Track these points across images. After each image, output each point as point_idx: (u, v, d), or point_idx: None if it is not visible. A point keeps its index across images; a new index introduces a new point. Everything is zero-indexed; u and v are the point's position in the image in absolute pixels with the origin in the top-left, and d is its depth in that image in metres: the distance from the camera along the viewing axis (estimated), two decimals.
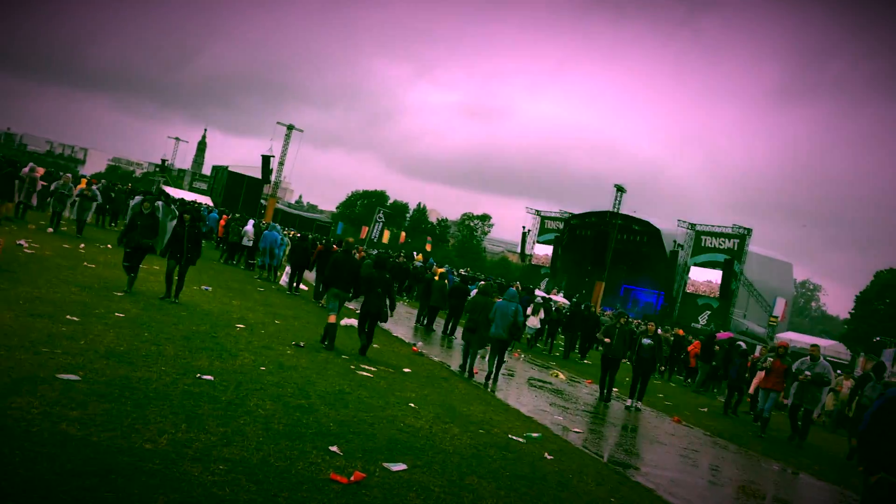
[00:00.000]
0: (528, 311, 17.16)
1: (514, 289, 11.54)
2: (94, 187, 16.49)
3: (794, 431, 11.45)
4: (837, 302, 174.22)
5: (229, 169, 59.94)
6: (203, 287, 12.26)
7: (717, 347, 16.82)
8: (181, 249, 9.87)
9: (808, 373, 11.10)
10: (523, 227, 57.24)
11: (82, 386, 4.92)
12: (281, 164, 49.01)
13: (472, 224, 74.71)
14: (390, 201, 74.92)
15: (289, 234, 28.17)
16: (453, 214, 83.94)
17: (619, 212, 41.84)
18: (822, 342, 31.56)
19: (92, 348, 6.05)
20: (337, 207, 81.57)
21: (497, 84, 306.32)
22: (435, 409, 7.23)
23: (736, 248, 41.46)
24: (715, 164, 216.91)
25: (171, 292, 9.92)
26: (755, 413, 12.41)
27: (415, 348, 11.97)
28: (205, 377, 5.99)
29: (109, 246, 15.28)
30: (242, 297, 12.63)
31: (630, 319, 15.47)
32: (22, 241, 12.05)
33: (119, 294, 9.42)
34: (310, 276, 18.38)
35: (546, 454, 6.41)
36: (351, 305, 13.76)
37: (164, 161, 64.19)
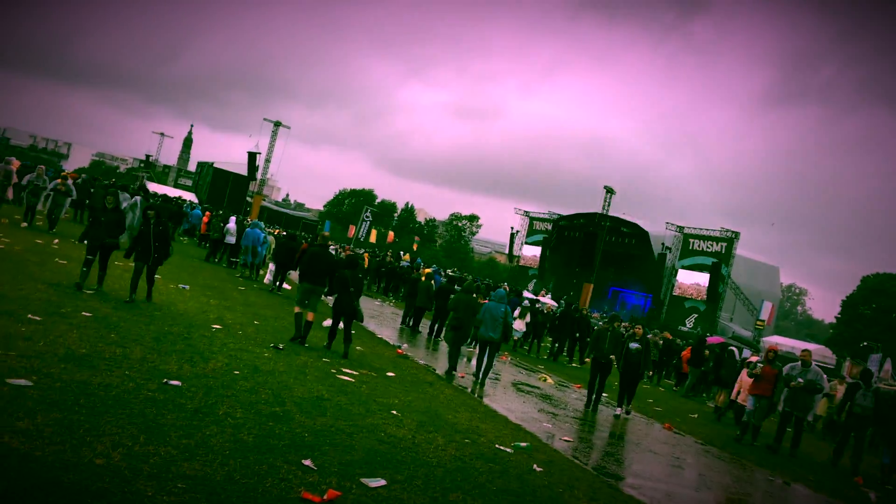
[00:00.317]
0: (516, 313, 16.84)
1: (504, 290, 11.23)
2: (69, 182, 15.93)
3: (776, 439, 10.97)
4: (822, 306, 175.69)
5: (215, 165, 59.40)
6: (180, 285, 11.82)
7: (707, 352, 16.60)
8: (148, 249, 9.39)
9: (800, 379, 10.82)
10: (511, 228, 57.03)
11: (34, 392, 4.52)
12: (267, 161, 48.27)
13: (460, 224, 74.46)
14: (378, 200, 74.56)
15: (274, 232, 27.72)
16: (441, 214, 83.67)
17: (609, 214, 41.70)
18: (808, 346, 31.52)
19: (51, 350, 5.63)
20: (324, 206, 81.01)
21: (488, 84, 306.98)
22: (419, 416, 6.88)
23: (724, 252, 41.46)
24: (704, 167, 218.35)
25: (134, 294, 9.23)
26: (740, 426, 11.95)
27: (399, 350, 11.61)
28: (172, 382, 5.59)
29: (85, 242, 14.73)
30: (221, 297, 12.19)
31: (621, 322, 15.06)
32: None
33: (89, 292, 8.99)
34: (294, 275, 17.94)
35: (535, 466, 6.07)
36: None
37: (148, 157, 63.42)
